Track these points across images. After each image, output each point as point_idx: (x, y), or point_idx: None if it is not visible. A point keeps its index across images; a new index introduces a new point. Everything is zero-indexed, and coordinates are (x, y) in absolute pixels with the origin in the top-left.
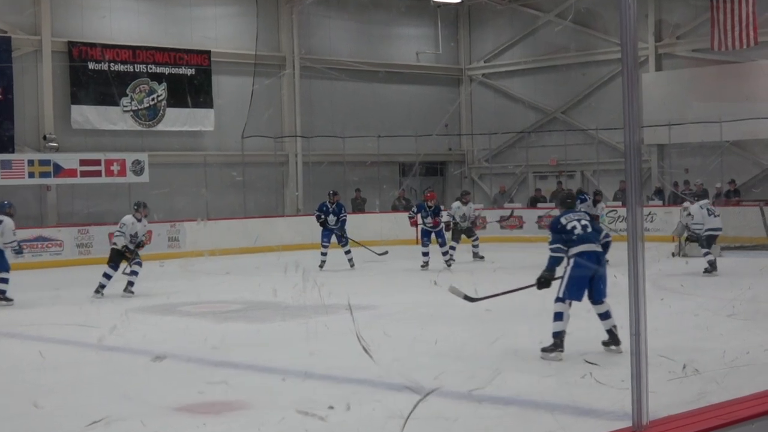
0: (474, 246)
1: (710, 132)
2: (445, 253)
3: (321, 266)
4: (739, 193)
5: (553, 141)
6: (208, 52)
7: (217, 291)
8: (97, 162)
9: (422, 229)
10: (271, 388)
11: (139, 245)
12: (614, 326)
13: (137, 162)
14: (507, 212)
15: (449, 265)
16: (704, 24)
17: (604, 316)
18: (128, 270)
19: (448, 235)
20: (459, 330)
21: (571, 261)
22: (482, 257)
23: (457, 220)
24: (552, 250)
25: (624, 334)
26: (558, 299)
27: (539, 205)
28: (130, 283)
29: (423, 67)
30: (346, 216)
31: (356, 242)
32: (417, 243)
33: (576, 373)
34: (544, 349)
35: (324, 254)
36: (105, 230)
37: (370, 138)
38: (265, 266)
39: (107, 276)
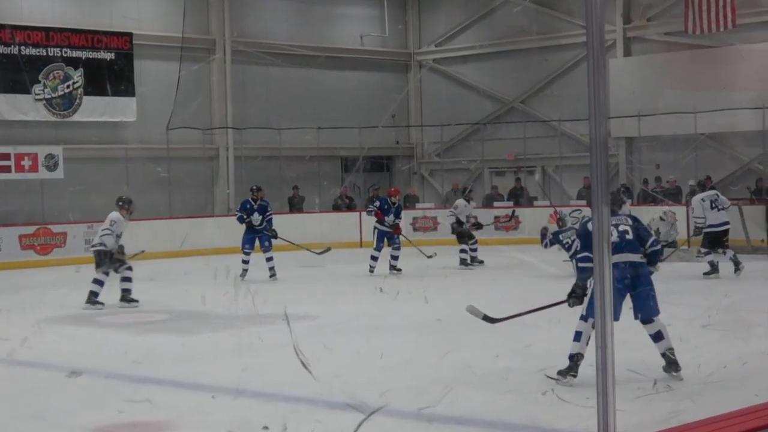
0: (472, 249)
1: (684, 124)
2: (396, 258)
3: (242, 276)
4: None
5: (511, 133)
6: (130, 35)
7: (140, 299)
8: (6, 156)
9: (378, 230)
10: (200, 406)
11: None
12: (669, 349)
13: (51, 156)
14: (508, 212)
15: (399, 271)
16: (677, 4)
17: (656, 337)
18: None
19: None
20: (407, 342)
21: None
22: (482, 261)
23: (463, 220)
24: (580, 260)
25: (588, 347)
26: (581, 317)
27: (496, 204)
28: (127, 291)
29: (367, 51)
30: (272, 215)
31: (295, 244)
32: (361, 246)
33: (536, 389)
34: (559, 372)
35: (246, 261)
36: (14, 232)
37: (309, 130)
38: (192, 272)
39: (99, 282)
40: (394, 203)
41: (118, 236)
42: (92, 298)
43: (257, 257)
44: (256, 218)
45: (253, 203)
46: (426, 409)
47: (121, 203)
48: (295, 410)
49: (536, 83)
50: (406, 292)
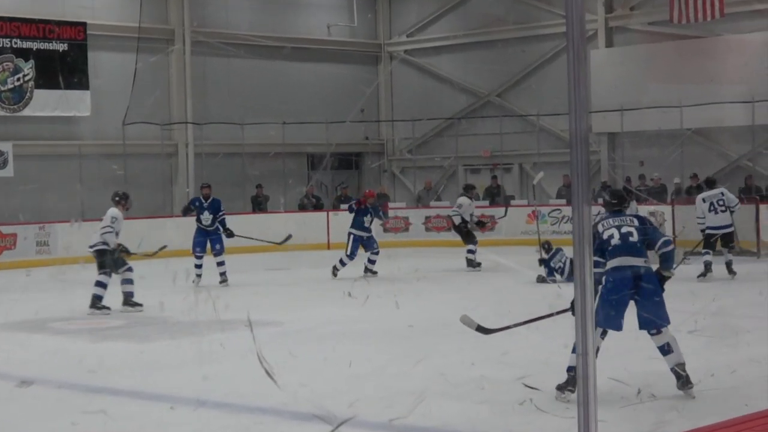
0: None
1: (669, 118)
2: (373, 262)
3: (196, 282)
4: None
5: (487, 129)
6: (84, 24)
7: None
8: None
9: (354, 236)
10: (158, 418)
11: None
12: (679, 364)
13: (0, 153)
14: (501, 210)
15: (374, 274)
16: None
17: (664, 350)
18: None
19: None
20: (376, 350)
21: (604, 279)
22: (479, 264)
23: (467, 219)
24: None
25: (568, 354)
26: None
27: None
28: (130, 294)
29: (335, 42)
30: (225, 215)
31: (253, 239)
32: (329, 247)
33: (513, 398)
34: (558, 387)
35: (199, 266)
36: None
37: (273, 125)
38: (150, 275)
39: (102, 285)
40: (371, 204)
41: (117, 234)
42: (96, 303)
43: (212, 260)
44: (207, 217)
45: (203, 201)
46: (397, 420)
47: (117, 198)
48: (259, 421)
49: (513, 76)
50: (375, 296)
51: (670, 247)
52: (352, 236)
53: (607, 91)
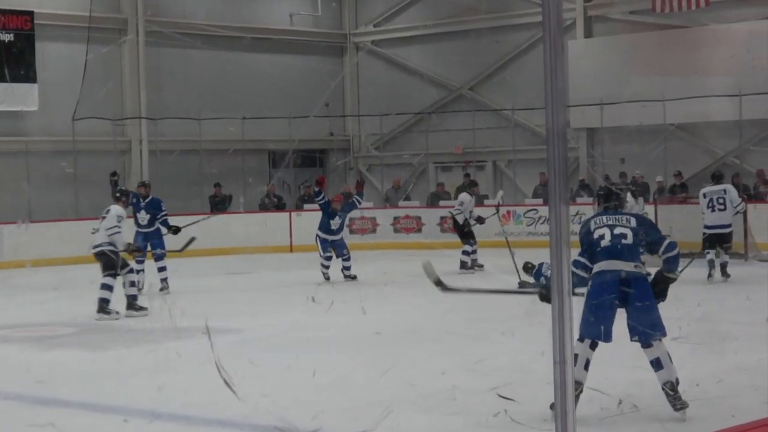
0: (473, 251)
1: (651, 113)
2: (348, 267)
3: (140, 289)
4: (687, 187)
5: (459, 124)
6: (30, 13)
7: (43, 311)
8: None
9: (320, 239)
10: (111, 431)
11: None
12: (669, 382)
13: None
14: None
15: (354, 278)
16: None
17: (655, 365)
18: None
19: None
20: (342, 358)
21: (590, 284)
22: (481, 265)
23: (467, 217)
24: (573, 264)
25: (545, 362)
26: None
27: (442, 203)
28: (133, 297)
29: (298, 32)
30: (167, 215)
31: (196, 221)
32: (291, 250)
33: (487, 410)
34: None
35: (140, 271)
36: None
37: (232, 120)
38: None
39: (109, 288)
40: (336, 209)
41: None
42: (104, 307)
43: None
44: (143, 217)
45: (140, 200)
46: None
47: (118, 195)
48: None
49: (487, 68)
50: (341, 301)
51: (675, 251)
52: (318, 239)
53: (585, 84)
